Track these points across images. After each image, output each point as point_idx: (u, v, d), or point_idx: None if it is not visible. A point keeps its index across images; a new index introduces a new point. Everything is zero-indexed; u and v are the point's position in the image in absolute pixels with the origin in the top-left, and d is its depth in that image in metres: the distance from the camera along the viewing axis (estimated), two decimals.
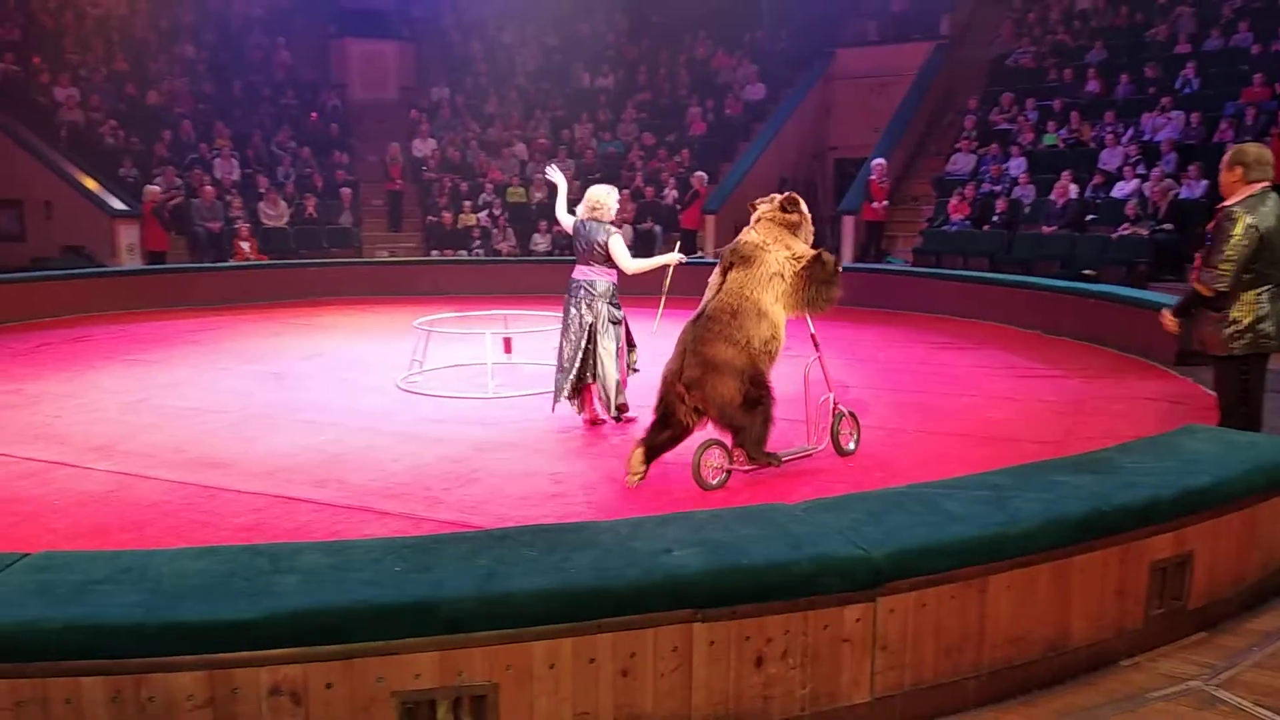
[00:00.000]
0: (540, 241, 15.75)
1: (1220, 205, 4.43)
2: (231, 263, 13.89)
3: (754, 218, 5.37)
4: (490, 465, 5.45)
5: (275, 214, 15.28)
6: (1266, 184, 4.35)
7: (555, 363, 6.24)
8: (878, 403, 6.95)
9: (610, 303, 6.10)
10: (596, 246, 6.06)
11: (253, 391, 7.47)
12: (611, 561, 2.47)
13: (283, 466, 5.41)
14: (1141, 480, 3.16)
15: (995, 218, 13.49)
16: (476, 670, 2.28)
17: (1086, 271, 11.57)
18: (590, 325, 6.04)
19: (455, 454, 5.69)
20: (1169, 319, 4.76)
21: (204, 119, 16.66)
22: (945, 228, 13.97)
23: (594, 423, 6.27)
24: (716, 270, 5.23)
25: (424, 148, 17.66)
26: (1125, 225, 11.97)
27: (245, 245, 14.20)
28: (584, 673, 2.35)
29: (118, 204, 14.13)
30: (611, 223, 6.20)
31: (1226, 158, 4.44)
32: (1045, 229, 12.79)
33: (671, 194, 16.08)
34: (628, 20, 21.03)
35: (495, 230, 15.91)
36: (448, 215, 15.97)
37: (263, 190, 15.45)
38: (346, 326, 11.09)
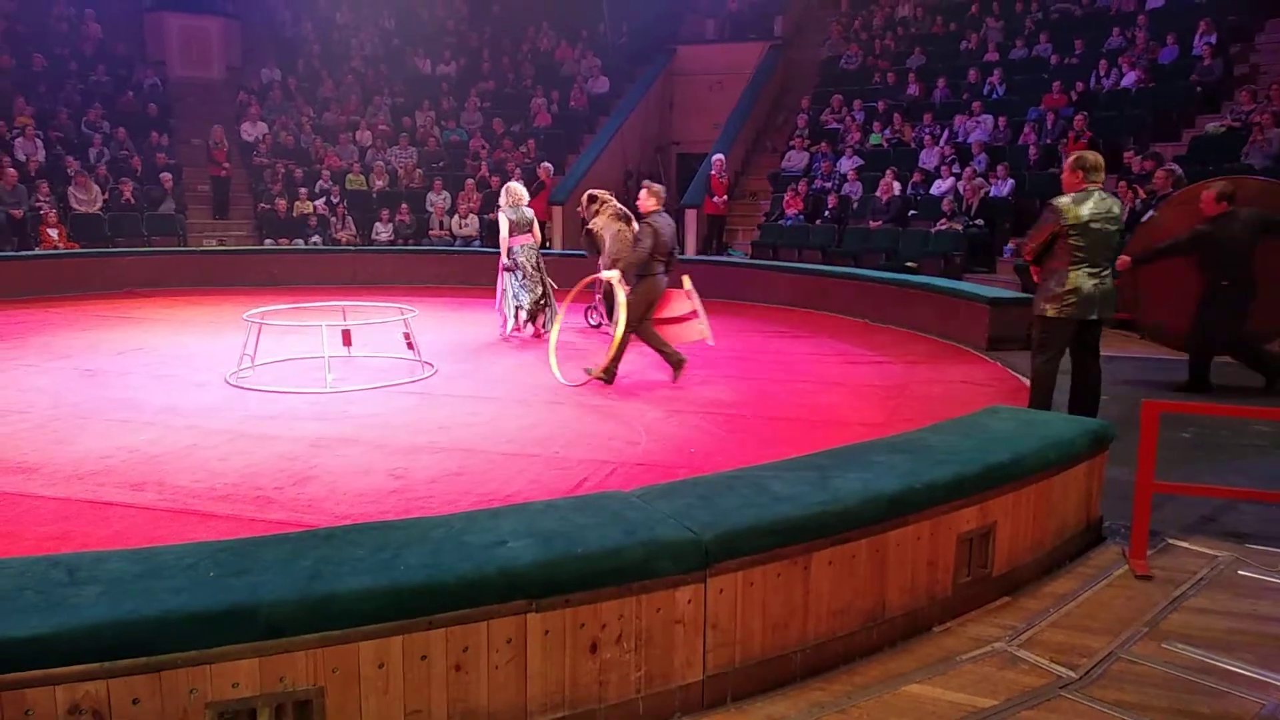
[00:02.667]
0: (382, 231, 15.27)
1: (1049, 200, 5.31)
2: (37, 251, 12.74)
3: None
4: (327, 462, 5.25)
5: (87, 199, 14.11)
6: (1096, 186, 5.18)
7: (514, 302, 9.12)
8: (719, 389, 7.16)
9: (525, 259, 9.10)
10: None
11: (62, 390, 6.90)
12: (444, 557, 2.44)
13: (95, 470, 5.03)
14: (950, 458, 3.40)
15: (826, 213, 14.13)
16: (300, 675, 2.20)
17: (909, 264, 12.31)
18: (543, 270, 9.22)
19: (290, 452, 5.45)
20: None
21: (3, 96, 15.17)
22: (781, 222, 14.51)
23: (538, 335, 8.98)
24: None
25: (254, 131, 16.76)
26: (942, 220, 12.81)
27: (53, 232, 13.07)
28: (415, 670, 2.31)
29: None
30: (511, 206, 9.15)
31: (1070, 161, 5.29)
32: (872, 224, 13.51)
33: None
34: (468, 7, 20.67)
35: (334, 219, 15.30)
36: (282, 202, 15.23)
37: (72, 173, 14.23)
38: (169, 320, 10.40)
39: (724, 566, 2.62)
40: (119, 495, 4.65)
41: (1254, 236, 6.33)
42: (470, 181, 15.70)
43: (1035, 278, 5.77)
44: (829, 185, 14.59)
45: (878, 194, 13.68)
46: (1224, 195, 6.37)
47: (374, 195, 15.91)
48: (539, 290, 9.16)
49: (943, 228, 12.74)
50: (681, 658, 2.64)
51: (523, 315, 9.16)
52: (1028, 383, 7.41)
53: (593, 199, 8.69)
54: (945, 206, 12.87)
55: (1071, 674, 2.96)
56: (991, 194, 12.92)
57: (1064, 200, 5.16)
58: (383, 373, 7.62)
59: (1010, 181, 12.88)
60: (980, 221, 12.72)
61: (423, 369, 7.64)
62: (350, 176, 16.15)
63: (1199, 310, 6.55)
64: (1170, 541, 4.11)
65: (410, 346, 7.81)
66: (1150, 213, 7.18)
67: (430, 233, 15.52)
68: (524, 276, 9.07)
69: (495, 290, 9.55)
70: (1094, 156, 5.25)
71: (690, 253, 15.18)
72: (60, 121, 15.36)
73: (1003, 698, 2.81)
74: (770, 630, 2.79)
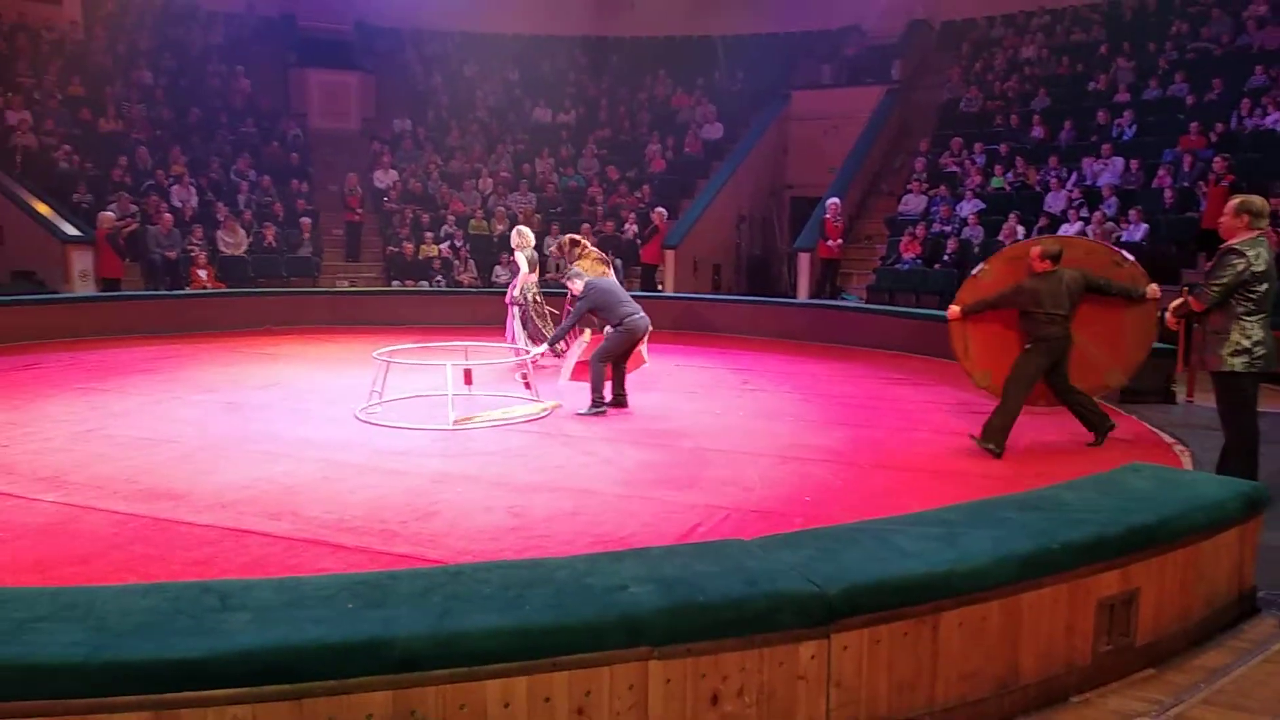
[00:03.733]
0: (501, 273, 15.74)
1: (1224, 245, 5.11)
2: (188, 290, 13.70)
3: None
4: (449, 498, 5.41)
5: (233, 242, 15.10)
6: (1262, 232, 5.04)
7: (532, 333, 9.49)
8: (833, 436, 7.04)
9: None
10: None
11: (207, 422, 7.34)
12: (568, 599, 2.47)
13: (237, 499, 5.32)
14: (1088, 518, 3.24)
15: (946, 257, 13.80)
16: (430, 709, 2.25)
17: None
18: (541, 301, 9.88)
19: (413, 486, 5.64)
20: (1170, 316, 5.51)
21: (161, 145, 16.45)
22: (898, 266, 14.25)
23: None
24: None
25: (385, 179, 17.62)
26: None
27: (202, 273, 14.02)
28: (539, 711, 2.33)
29: (71, 230, 13.86)
30: (526, 247, 9.84)
31: (1233, 204, 5.10)
32: None
33: (632, 229, 16.21)
34: (587, 58, 21.29)
35: (456, 261, 15.89)
36: (409, 246, 15.92)
37: (221, 218, 15.27)
38: (304, 356, 10.96)
39: (849, 623, 2.56)
40: (257, 524, 4.89)
41: (1074, 296, 6.40)
42: (585, 226, 16.05)
43: (1172, 324, 5.58)
44: (948, 229, 14.27)
45: (1000, 238, 13.28)
46: (1049, 254, 6.40)
47: (494, 239, 16.44)
48: (547, 319, 9.85)
49: None
50: (804, 715, 2.58)
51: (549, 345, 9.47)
52: (1167, 439, 7.07)
53: (574, 243, 9.73)
54: None
55: None
56: (1123, 238, 12.37)
57: (1244, 245, 4.96)
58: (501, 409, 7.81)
59: (1144, 226, 12.31)
60: None
61: (541, 408, 7.81)
62: (473, 221, 16.76)
63: (1015, 362, 6.53)
64: None
65: (528, 386, 7.98)
66: (981, 265, 7.20)
67: (546, 275, 15.88)
68: (531, 310, 9.63)
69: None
70: (1260, 201, 5.06)
71: (802, 296, 15.09)
72: (212, 170, 16.53)
73: None
74: (896, 691, 2.70)
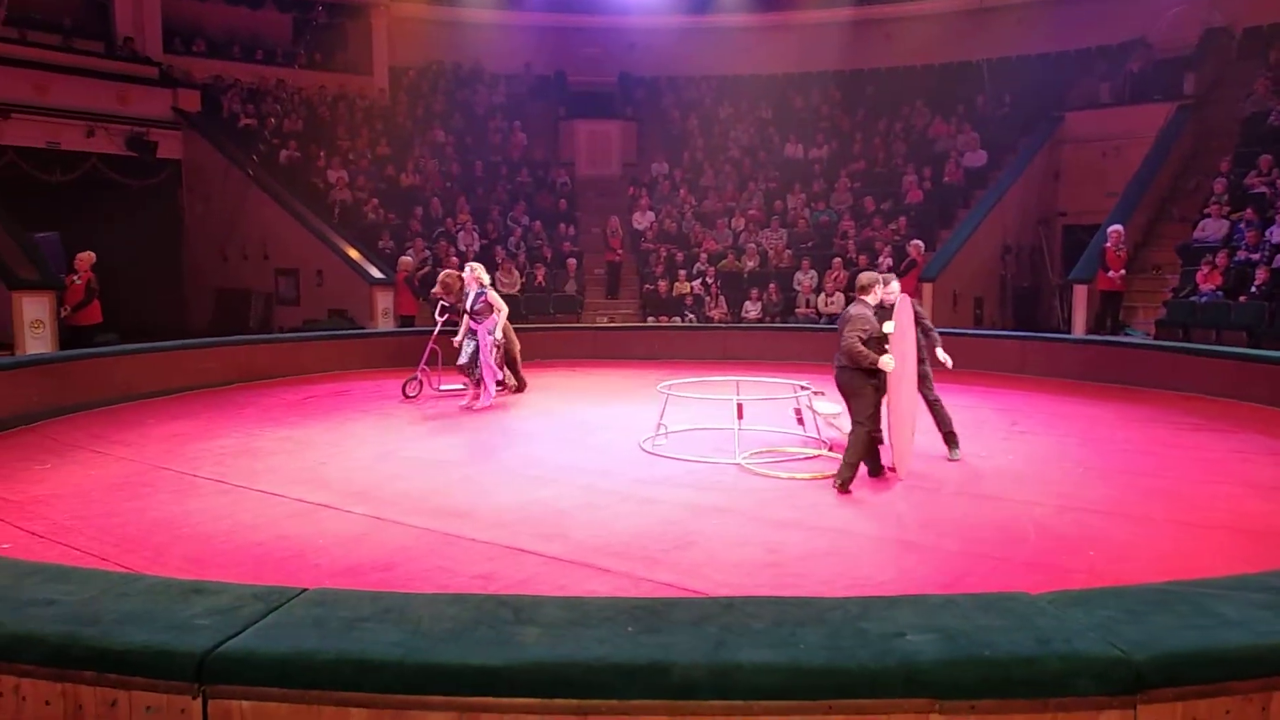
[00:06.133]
0: (751, 309, 15.90)
1: None
2: None
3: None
4: (705, 530, 5.50)
5: (509, 282, 16.41)
6: None
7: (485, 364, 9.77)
8: (1116, 486, 6.43)
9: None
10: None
11: (485, 446, 7.98)
12: (842, 640, 2.42)
13: (513, 519, 5.72)
14: None
15: (1254, 289, 12.22)
16: None
17: None
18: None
19: (671, 516, 5.79)
20: None
21: (450, 196, 18.24)
22: (1194, 298, 12.80)
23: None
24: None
25: (643, 220, 18.41)
26: None
27: None
28: None
29: (376, 273, 15.72)
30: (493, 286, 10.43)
31: None
32: None
33: (886, 262, 15.77)
34: (841, 92, 21.11)
35: (707, 298, 16.24)
36: (663, 283, 16.49)
37: (499, 260, 16.66)
38: (568, 387, 11.64)
39: (1160, 694, 2.31)
40: (532, 544, 5.23)
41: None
42: (837, 260, 15.84)
43: None
44: (1256, 257, 12.63)
45: None
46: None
47: (745, 275, 16.63)
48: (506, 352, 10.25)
49: None
50: None
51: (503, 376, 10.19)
52: None
53: (459, 278, 10.26)
54: None
55: None
56: None
57: None
58: (769, 443, 7.82)
59: None
60: None
61: (817, 446, 7.75)
62: (724, 261, 17.08)
63: None
64: None
65: (800, 422, 7.95)
66: None
67: (796, 310, 15.86)
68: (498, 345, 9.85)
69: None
70: None
71: (1078, 332, 13.95)
72: (492, 216, 18.08)
73: None
74: None
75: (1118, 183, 16.07)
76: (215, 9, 19.77)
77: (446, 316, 10.50)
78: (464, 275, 10.10)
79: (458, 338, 9.92)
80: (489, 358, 9.69)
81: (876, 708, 2.30)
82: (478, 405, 9.70)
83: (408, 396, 10.32)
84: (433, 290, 10.74)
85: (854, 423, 6.44)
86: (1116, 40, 18.54)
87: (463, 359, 9.85)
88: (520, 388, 10.69)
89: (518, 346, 10.53)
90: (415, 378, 10.48)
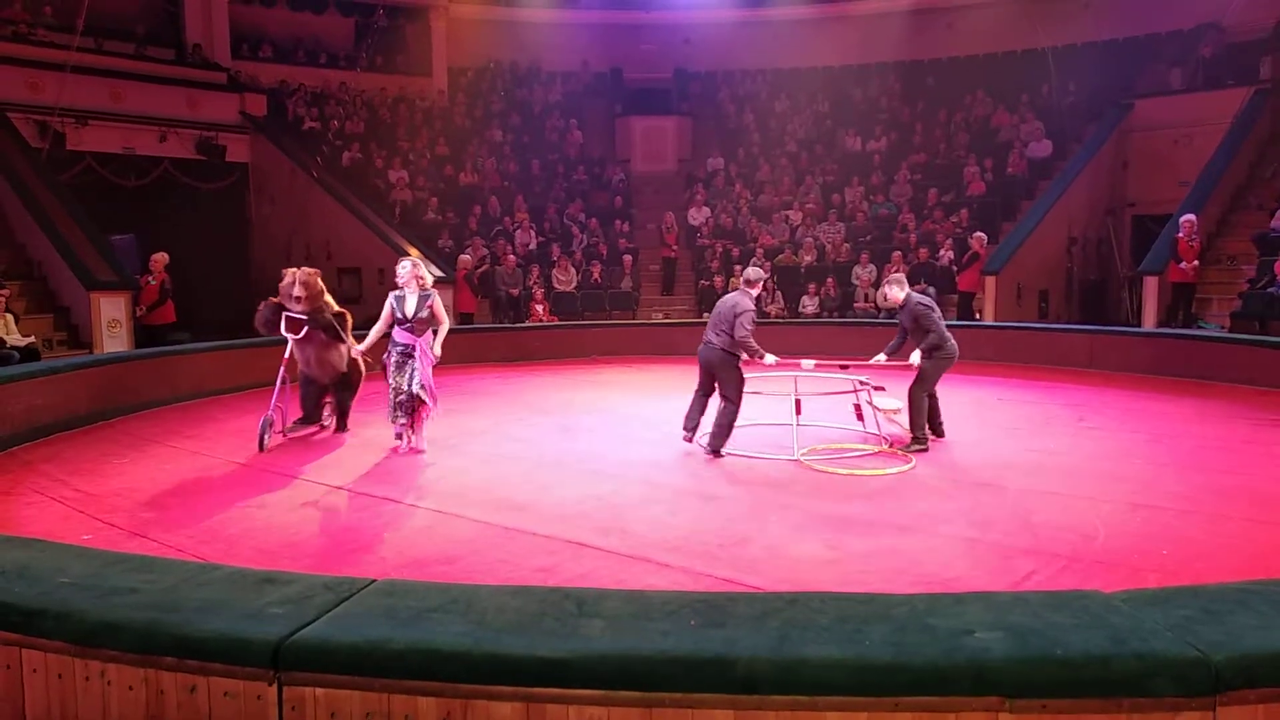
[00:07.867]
0: (808, 304, 15.76)
1: None
2: (527, 324, 15.21)
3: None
4: (764, 525, 5.48)
5: (566, 279, 16.53)
6: None
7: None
8: (1190, 484, 6.23)
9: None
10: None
11: (545, 441, 8.04)
12: (909, 637, 2.40)
13: (572, 513, 5.76)
14: None
15: None
16: None
17: None
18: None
19: (728, 511, 5.79)
20: None
21: (508, 195, 18.42)
22: (1272, 289, 12.33)
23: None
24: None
25: (699, 216, 18.36)
26: None
27: (539, 308, 15.53)
28: None
29: (436, 271, 15.91)
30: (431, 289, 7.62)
31: None
32: None
33: (947, 255, 15.52)
34: (901, 83, 20.79)
35: (764, 293, 16.13)
36: (719, 279, 16.42)
37: (555, 258, 16.78)
38: (625, 383, 11.68)
39: (1239, 696, 2.24)
40: (591, 538, 5.26)
41: None
42: (897, 254, 15.61)
43: None
44: None
45: None
46: None
47: (802, 270, 16.49)
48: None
49: None
50: None
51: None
52: None
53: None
54: None
55: None
56: None
57: None
58: (823, 439, 7.75)
59: None
60: None
61: (877, 442, 7.66)
62: (780, 256, 16.94)
63: None
64: None
65: (860, 418, 7.86)
66: None
67: (855, 305, 15.68)
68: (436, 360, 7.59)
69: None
70: None
71: (1148, 324, 13.55)
72: (549, 215, 18.21)
73: None
74: None
75: (1189, 171, 15.56)
76: (280, 15, 20.23)
77: (304, 332, 7.78)
78: (399, 272, 7.46)
79: (388, 355, 7.52)
80: (430, 379, 7.43)
81: (944, 705, 2.27)
82: (417, 445, 7.56)
83: (263, 450, 7.55)
84: (278, 292, 7.89)
85: (724, 399, 7.30)
86: (1187, 24, 17.94)
87: (412, 386, 7.37)
88: (341, 428, 8.41)
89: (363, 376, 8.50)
90: (270, 418, 7.74)
